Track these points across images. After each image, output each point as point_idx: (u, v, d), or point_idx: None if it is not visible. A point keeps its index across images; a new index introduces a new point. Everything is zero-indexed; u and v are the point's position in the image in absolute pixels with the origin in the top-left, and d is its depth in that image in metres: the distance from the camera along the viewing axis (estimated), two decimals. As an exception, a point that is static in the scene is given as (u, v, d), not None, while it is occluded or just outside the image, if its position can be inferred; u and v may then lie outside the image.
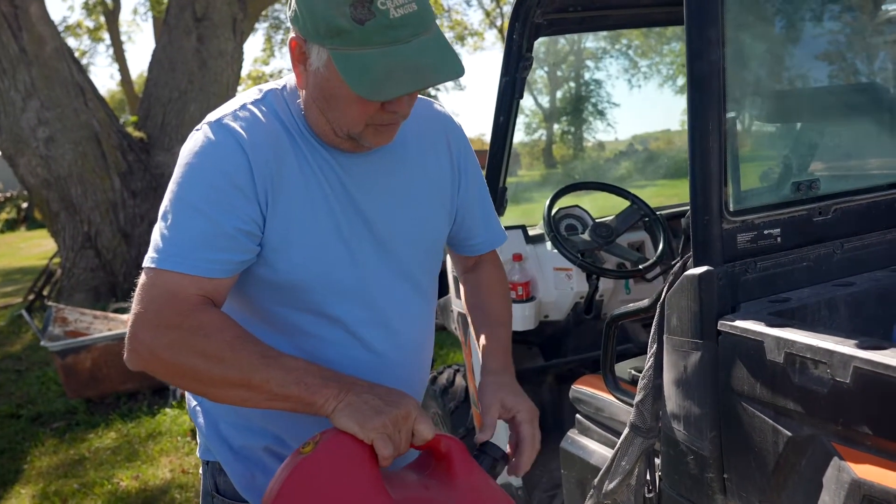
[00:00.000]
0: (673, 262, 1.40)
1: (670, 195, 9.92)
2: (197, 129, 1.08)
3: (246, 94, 1.12)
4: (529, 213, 2.32)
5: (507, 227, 2.40)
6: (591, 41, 29.42)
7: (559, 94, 31.53)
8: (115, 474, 3.49)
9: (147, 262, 1.02)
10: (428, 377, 1.30)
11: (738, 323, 1.18)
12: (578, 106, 29.20)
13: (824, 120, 1.61)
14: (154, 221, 1.06)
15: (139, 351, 1.00)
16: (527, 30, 2.02)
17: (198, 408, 1.26)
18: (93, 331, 4.60)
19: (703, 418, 1.24)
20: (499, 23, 22.23)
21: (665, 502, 1.38)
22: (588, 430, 1.90)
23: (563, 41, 28.25)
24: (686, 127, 1.25)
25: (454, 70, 0.98)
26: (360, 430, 0.96)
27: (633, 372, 1.82)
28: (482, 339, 1.33)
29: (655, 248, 2.26)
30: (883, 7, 1.56)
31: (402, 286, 1.18)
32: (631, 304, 1.60)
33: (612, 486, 1.52)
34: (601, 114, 29.44)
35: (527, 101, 31.51)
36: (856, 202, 1.40)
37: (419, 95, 1.15)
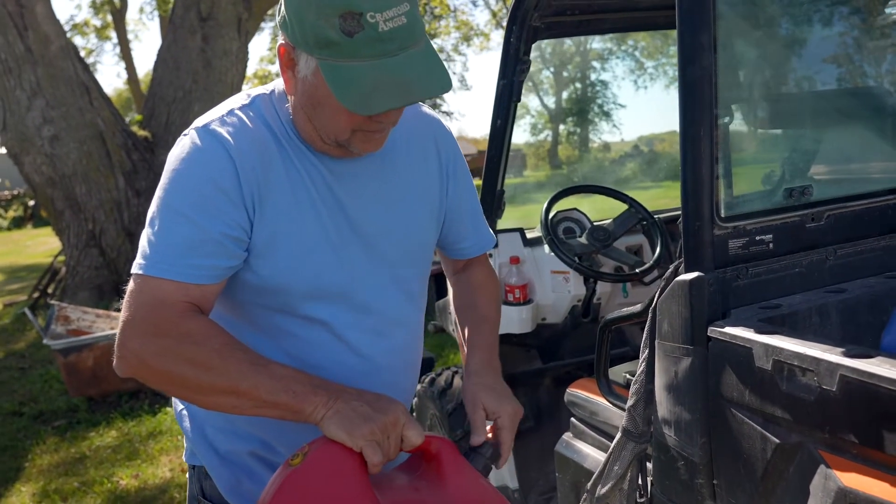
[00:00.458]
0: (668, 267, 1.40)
1: (675, 197, 9.89)
2: (184, 135, 1.08)
3: (234, 99, 1.13)
4: (531, 214, 2.32)
5: (505, 230, 2.40)
6: (597, 42, 29.39)
7: (565, 94, 31.51)
8: (115, 473, 3.50)
9: (135, 268, 1.02)
10: (417, 380, 1.30)
11: (728, 329, 1.18)
12: (584, 107, 29.17)
13: (817, 125, 1.60)
14: None
15: (128, 358, 1.01)
16: (524, 33, 2.02)
17: (184, 412, 1.26)
18: (95, 329, 4.62)
19: (694, 424, 1.24)
20: (505, 23, 22.19)
21: (656, 507, 1.38)
22: (583, 433, 1.90)
23: (569, 42, 28.22)
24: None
25: (442, 85, 0.98)
26: (349, 437, 0.96)
27: (627, 376, 1.82)
28: (467, 337, 1.32)
29: (653, 251, 2.26)
30: (884, 11, 1.56)
31: (391, 290, 1.18)
32: (625, 309, 1.60)
33: (604, 490, 1.52)
34: (607, 115, 29.40)
35: (533, 102, 31.56)
36: (849, 208, 1.40)
37: None
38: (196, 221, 1.01)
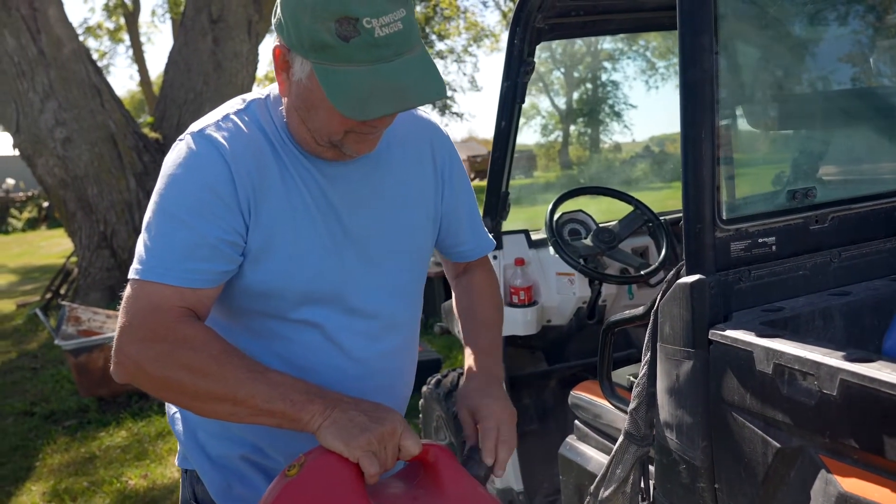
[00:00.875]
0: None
1: (685, 198, 9.80)
2: (180, 140, 1.08)
3: (229, 104, 1.13)
4: (539, 216, 2.31)
5: (510, 232, 2.40)
6: (608, 42, 29.28)
7: (576, 95, 31.41)
8: (125, 473, 3.53)
9: (131, 273, 1.02)
10: (412, 383, 1.29)
11: (729, 332, 1.17)
12: (595, 107, 29.06)
13: (820, 127, 1.59)
14: None
15: (125, 364, 1.01)
16: (528, 35, 2.02)
17: (177, 415, 1.26)
18: (105, 330, 4.65)
19: (695, 428, 1.23)
20: (514, 24, 22.13)
21: (657, 511, 1.37)
22: (586, 436, 1.90)
23: (579, 42, 28.13)
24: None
25: (436, 91, 0.98)
26: (346, 448, 0.96)
27: (630, 378, 1.81)
28: (466, 343, 1.32)
29: (659, 253, 2.25)
30: (887, 11, 1.54)
31: (385, 294, 1.18)
32: (627, 311, 1.59)
33: (607, 493, 1.51)
34: (618, 115, 29.28)
35: (543, 103, 31.49)
36: (854, 210, 1.38)
37: None
38: (193, 226, 1.02)
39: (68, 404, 4.56)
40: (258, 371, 1.00)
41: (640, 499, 1.47)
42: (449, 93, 27.41)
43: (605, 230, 2.26)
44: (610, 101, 29.32)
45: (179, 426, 1.25)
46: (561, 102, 31.88)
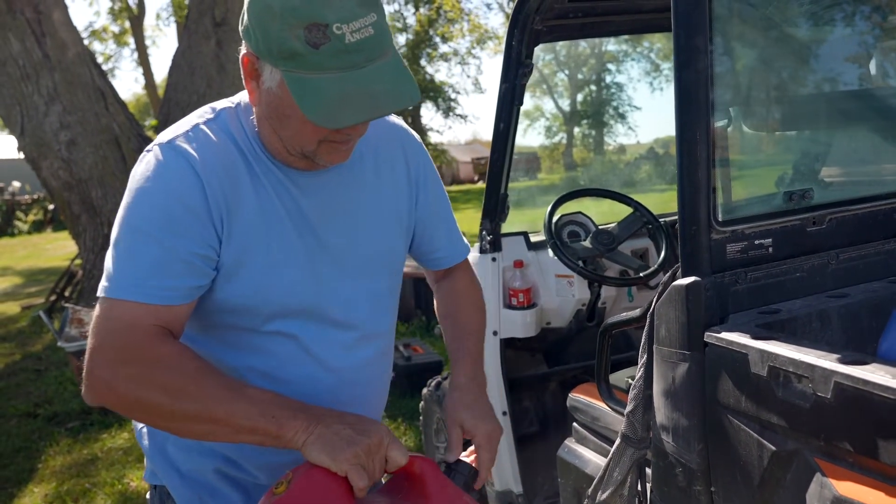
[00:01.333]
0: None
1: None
2: (147, 151, 1.05)
3: (198, 113, 1.09)
4: (540, 217, 2.31)
5: (509, 234, 2.40)
6: (612, 44, 29.26)
7: (580, 97, 31.40)
8: (126, 475, 3.53)
9: (101, 291, 0.98)
10: (387, 391, 1.28)
11: (724, 335, 1.16)
12: (599, 109, 29.04)
13: (817, 128, 1.58)
14: None
15: (96, 387, 0.97)
16: (526, 36, 2.02)
17: (144, 430, 1.22)
18: (108, 332, 4.66)
19: (691, 430, 1.23)
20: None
21: (654, 514, 1.36)
22: (584, 438, 1.89)
23: (583, 44, 28.12)
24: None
25: (410, 97, 0.96)
26: (333, 462, 0.94)
27: (628, 381, 1.80)
28: (450, 350, 1.30)
29: (659, 255, 2.25)
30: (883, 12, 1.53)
31: (361, 303, 1.16)
32: (624, 314, 1.59)
33: (604, 496, 1.51)
34: (622, 117, 29.25)
35: (547, 105, 31.51)
36: (851, 212, 1.38)
37: None
38: (163, 241, 0.98)
39: (71, 406, 4.57)
40: (236, 388, 0.97)
41: (637, 502, 1.47)
42: (453, 95, 27.46)
43: (605, 232, 2.26)
44: (614, 103, 29.32)
45: (146, 441, 1.21)
46: (565, 104, 31.89)
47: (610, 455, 1.47)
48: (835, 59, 1.52)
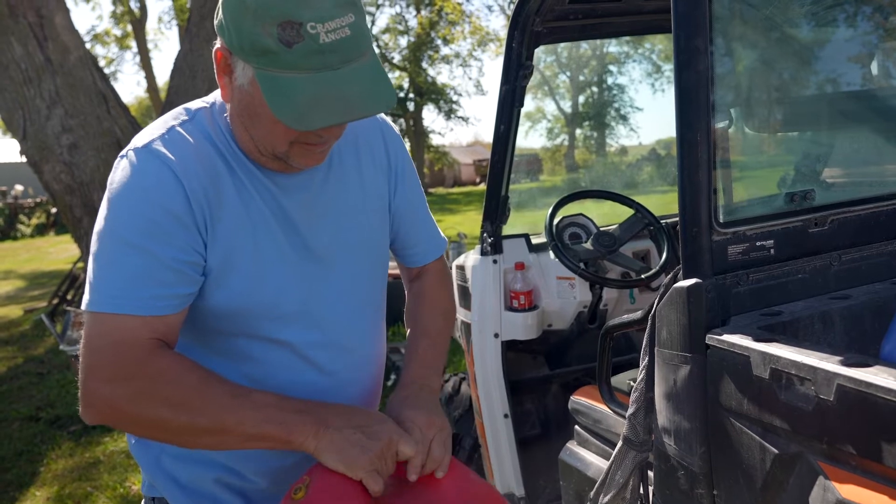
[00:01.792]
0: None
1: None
2: (122, 157, 1.01)
3: (173, 115, 1.06)
4: (541, 219, 2.31)
5: (511, 236, 2.39)
6: (613, 46, 29.26)
7: (581, 98, 31.41)
8: (128, 478, 3.53)
9: (89, 305, 0.95)
10: (381, 386, 1.27)
11: (726, 337, 1.15)
12: (601, 111, 29.04)
13: (819, 128, 1.58)
14: None
15: (97, 406, 0.94)
16: (526, 38, 2.01)
17: (136, 442, 1.18)
18: (110, 335, 4.66)
19: (693, 433, 1.22)
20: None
21: (656, 517, 1.36)
22: (586, 441, 1.88)
23: (585, 45, 28.13)
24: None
25: (385, 101, 0.93)
26: (349, 469, 0.95)
27: (630, 383, 1.80)
28: (408, 350, 1.27)
29: (660, 256, 2.24)
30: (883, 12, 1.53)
31: (350, 303, 1.15)
32: (625, 316, 1.58)
33: (606, 499, 1.50)
34: (624, 118, 29.25)
35: (549, 106, 31.53)
36: (854, 213, 1.37)
37: None
38: (148, 250, 0.95)
39: (73, 409, 4.57)
40: (241, 395, 0.96)
41: (639, 505, 1.46)
42: (454, 97, 27.49)
43: (606, 234, 2.25)
44: (616, 105, 29.32)
45: (141, 452, 1.17)
46: (566, 106, 31.90)
47: (612, 458, 1.46)
48: (836, 60, 1.51)
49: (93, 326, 0.95)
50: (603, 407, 1.79)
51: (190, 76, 7.96)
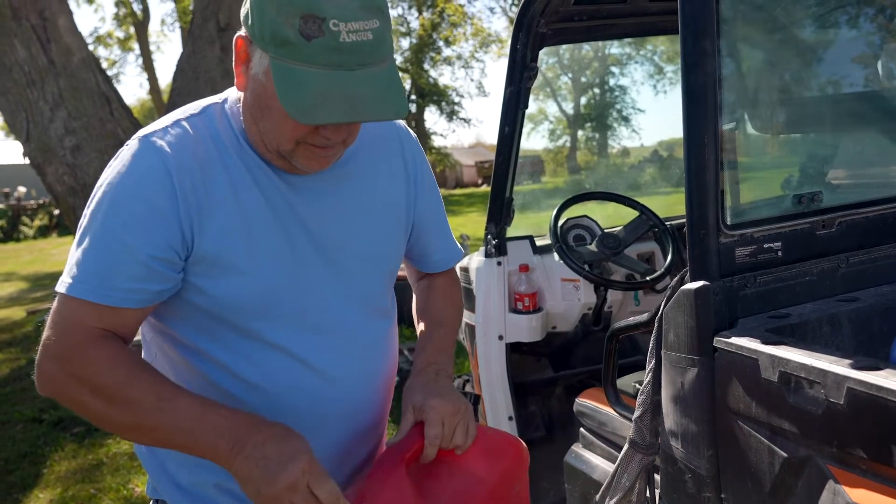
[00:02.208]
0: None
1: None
2: (126, 145, 1.02)
3: (184, 109, 1.07)
4: (545, 221, 2.30)
5: (515, 238, 2.39)
6: (615, 47, 29.27)
7: (583, 100, 31.41)
8: (131, 480, 3.53)
9: (59, 286, 0.98)
10: (392, 391, 1.24)
11: (734, 339, 1.15)
12: (603, 112, 29.04)
13: (826, 130, 1.57)
14: None
15: (42, 379, 0.98)
16: (530, 40, 2.01)
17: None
18: (113, 337, 4.66)
19: (700, 437, 1.21)
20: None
21: (664, 521, 1.35)
22: (591, 444, 1.88)
23: (587, 47, 28.14)
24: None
25: (396, 110, 0.92)
26: (259, 499, 0.94)
27: (636, 386, 1.79)
28: (420, 340, 1.25)
29: (665, 258, 2.23)
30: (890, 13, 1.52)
31: (357, 308, 1.13)
32: (631, 318, 1.58)
33: (612, 502, 1.49)
34: (626, 120, 29.25)
35: (551, 108, 31.53)
36: (862, 215, 1.36)
37: None
38: (125, 241, 0.96)
39: (76, 411, 4.57)
40: (167, 399, 0.95)
41: (645, 508, 1.45)
42: (456, 98, 27.50)
43: (610, 236, 2.25)
44: (618, 106, 29.33)
45: (146, 454, 1.17)
46: (569, 107, 31.90)
47: (618, 461, 1.46)
48: (843, 61, 1.51)
49: (56, 304, 0.98)
50: (608, 409, 1.78)
51: (192, 78, 7.97)
